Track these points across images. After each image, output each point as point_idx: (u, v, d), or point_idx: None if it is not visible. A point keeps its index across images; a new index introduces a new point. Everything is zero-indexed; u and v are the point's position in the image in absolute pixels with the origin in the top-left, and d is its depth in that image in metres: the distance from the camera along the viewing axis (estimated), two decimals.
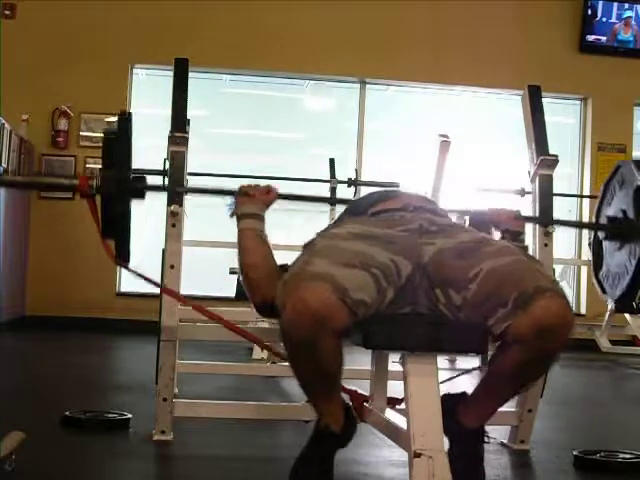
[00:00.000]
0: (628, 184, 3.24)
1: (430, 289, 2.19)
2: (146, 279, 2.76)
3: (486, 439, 2.23)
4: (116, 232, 2.65)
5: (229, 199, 2.69)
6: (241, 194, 2.64)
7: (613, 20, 8.74)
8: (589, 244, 3.41)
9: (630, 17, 8.78)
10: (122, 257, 2.71)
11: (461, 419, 2.21)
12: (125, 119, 2.76)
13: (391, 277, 2.15)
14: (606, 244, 3.34)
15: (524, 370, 2.10)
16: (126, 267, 2.72)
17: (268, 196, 2.66)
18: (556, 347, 2.04)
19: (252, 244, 2.53)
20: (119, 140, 2.69)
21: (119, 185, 2.62)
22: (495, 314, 2.05)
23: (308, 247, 2.26)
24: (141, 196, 2.73)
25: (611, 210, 3.31)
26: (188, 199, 3.50)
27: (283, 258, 2.56)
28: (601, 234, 3.35)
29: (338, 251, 2.14)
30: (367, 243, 2.19)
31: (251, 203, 2.61)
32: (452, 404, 2.24)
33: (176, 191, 3.04)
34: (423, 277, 2.19)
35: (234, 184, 2.75)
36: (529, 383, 2.29)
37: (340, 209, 2.69)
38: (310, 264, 2.08)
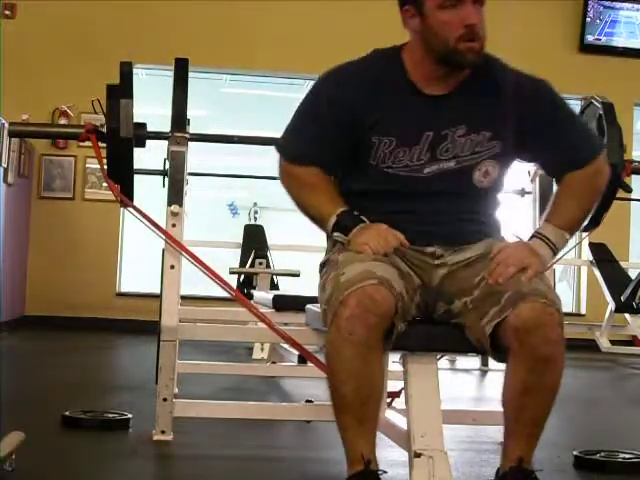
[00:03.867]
0: (591, 119, 3.25)
1: (433, 304, 2.17)
2: (149, 220, 2.92)
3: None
4: (121, 174, 2.77)
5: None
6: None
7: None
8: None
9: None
10: (126, 197, 2.93)
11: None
12: (127, 69, 2.86)
13: (410, 284, 2.11)
14: None
15: (529, 389, 2.03)
16: (130, 206, 2.90)
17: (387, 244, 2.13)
18: (548, 347, 1.94)
19: None
20: (122, 88, 2.80)
21: (123, 128, 2.84)
22: (489, 312, 2.00)
23: (327, 266, 2.16)
24: (142, 142, 2.99)
25: None
26: (189, 198, 3.50)
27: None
28: None
29: (361, 256, 2.06)
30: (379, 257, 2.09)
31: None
32: None
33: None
34: (428, 295, 2.17)
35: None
36: (543, 404, 2.18)
37: None
38: (344, 274, 2.00)
